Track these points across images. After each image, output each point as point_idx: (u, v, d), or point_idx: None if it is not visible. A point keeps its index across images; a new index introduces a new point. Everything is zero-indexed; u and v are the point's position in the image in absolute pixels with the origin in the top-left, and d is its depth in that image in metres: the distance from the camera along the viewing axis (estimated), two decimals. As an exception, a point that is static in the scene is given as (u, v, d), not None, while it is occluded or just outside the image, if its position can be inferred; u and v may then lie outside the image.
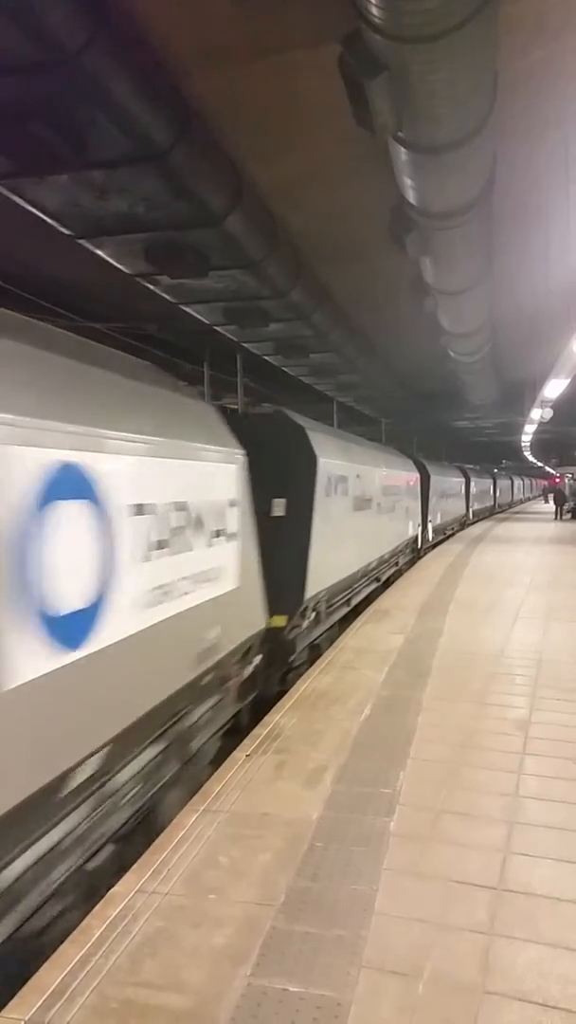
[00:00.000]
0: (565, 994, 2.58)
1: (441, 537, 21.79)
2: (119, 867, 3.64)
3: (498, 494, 42.64)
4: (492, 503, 39.74)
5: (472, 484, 29.78)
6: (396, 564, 14.78)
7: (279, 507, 7.08)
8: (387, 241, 6.91)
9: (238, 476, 5.49)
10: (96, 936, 2.94)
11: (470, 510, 29.41)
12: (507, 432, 28.66)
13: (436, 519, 20.47)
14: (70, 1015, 2.52)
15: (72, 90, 4.39)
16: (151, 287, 8.27)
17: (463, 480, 27.94)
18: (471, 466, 32.80)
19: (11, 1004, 2.59)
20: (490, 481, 39.37)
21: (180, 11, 4.39)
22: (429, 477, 19.07)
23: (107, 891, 3.28)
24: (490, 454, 46.74)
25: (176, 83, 5.04)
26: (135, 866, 3.47)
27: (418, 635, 8.22)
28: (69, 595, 3.19)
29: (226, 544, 5.16)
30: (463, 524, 27.64)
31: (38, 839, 3.17)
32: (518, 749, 4.81)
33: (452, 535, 23.61)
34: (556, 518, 32.60)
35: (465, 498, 28.41)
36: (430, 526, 19.49)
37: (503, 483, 47.14)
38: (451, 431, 28.63)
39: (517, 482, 56.90)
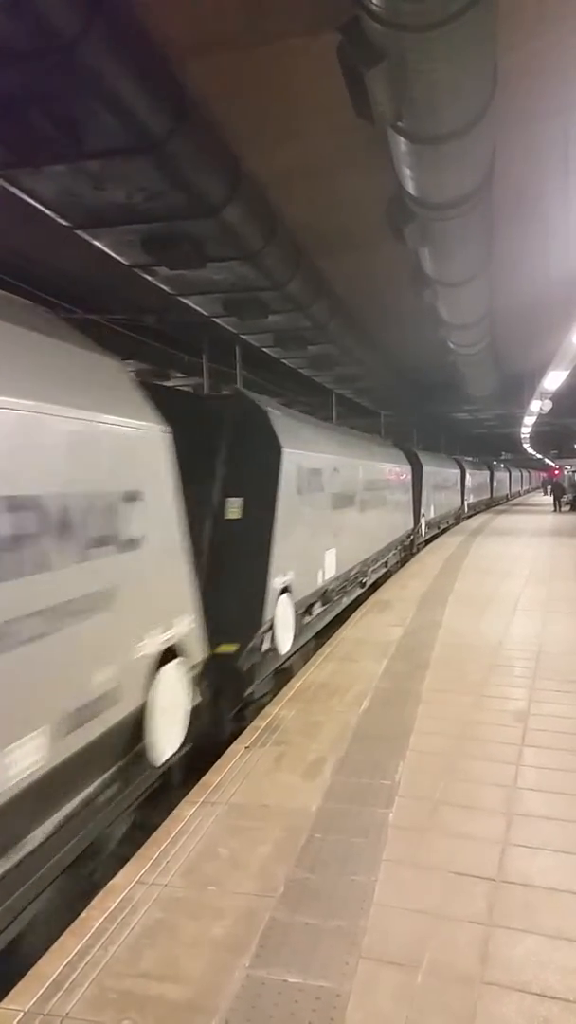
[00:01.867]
0: (564, 984, 2.58)
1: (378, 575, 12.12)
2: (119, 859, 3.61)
3: (467, 490, 29.93)
4: (460, 503, 27.92)
5: (427, 476, 19.25)
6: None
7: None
8: (386, 232, 6.87)
9: None
10: (95, 927, 2.95)
11: (421, 521, 18.29)
12: (507, 424, 28.59)
13: (343, 556, 9.52)
14: (69, 1006, 2.53)
15: (68, 80, 4.35)
16: (149, 278, 8.24)
17: (407, 470, 16.95)
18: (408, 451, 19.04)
19: (11, 995, 2.60)
20: (456, 472, 27.27)
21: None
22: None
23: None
24: (489, 446, 46.51)
25: (173, 72, 5.00)
26: (134, 858, 3.48)
27: (417, 627, 8.23)
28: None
29: None
30: (410, 547, 16.88)
31: None
32: (517, 740, 4.82)
33: (398, 566, 14.16)
34: (555, 510, 32.65)
35: (413, 501, 17.52)
36: (321, 568, 8.40)
37: (478, 476, 34.67)
38: (450, 423, 28.53)
39: (499, 475, 47.19)
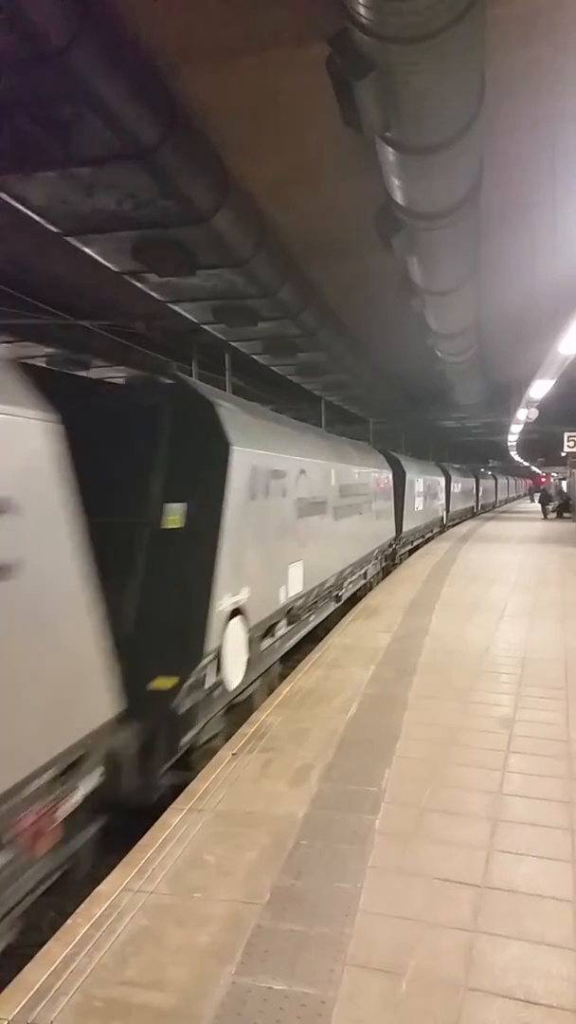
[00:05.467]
0: (547, 990, 2.60)
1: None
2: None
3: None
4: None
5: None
6: None
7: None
8: (375, 240, 6.92)
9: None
10: (81, 935, 2.93)
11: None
12: (494, 432, 28.74)
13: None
14: (54, 1014, 2.52)
15: (58, 87, 4.37)
16: (139, 285, 8.25)
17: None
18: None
19: (-5, 1003, 2.59)
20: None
21: (167, 8, 4.38)
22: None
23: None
24: (477, 454, 46.80)
25: (163, 80, 5.02)
26: (120, 864, 3.47)
27: (405, 633, 8.25)
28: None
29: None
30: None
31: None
32: (502, 747, 4.84)
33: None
34: (544, 517, 32.89)
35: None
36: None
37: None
38: (439, 431, 28.67)
39: (500, 481, 53.70)
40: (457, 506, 29.55)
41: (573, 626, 8.70)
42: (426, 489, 21.13)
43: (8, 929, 3.06)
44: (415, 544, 19.41)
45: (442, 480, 25.56)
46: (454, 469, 29.97)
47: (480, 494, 38.50)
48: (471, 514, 34.74)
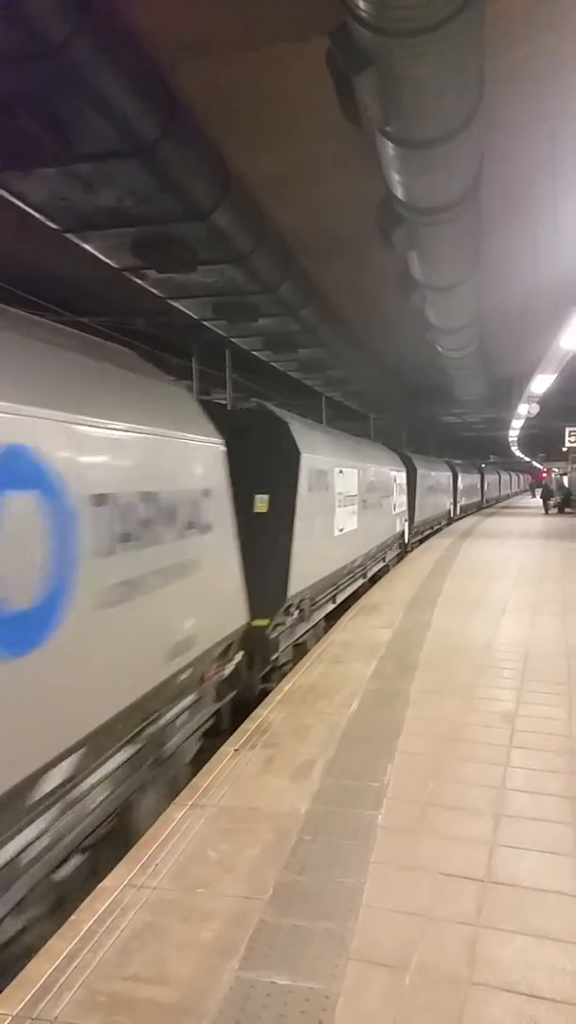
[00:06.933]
0: (551, 985, 2.60)
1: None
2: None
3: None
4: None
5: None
6: None
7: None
8: (375, 235, 6.92)
9: None
10: (85, 930, 2.94)
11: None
12: (495, 427, 28.75)
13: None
14: (58, 1009, 2.52)
15: (58, 82, 4.36)
16: (139, 281, 8.24)
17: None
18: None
19: (-1, 999, 2.59)
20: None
21: (166, 3, 4.37)
22: None
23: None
24: (478, 449, 46.73)
25: (163, 76, 5.02)
26: (124, 860, 3.47)
27: (406, 629, 8.25)
28: None
29: None
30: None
31: None
32: (505, 742, 4.84)
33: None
34: (545, 512, 32.91)
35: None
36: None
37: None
38: (439, 426, 28.66)
39: (504, 477, 48.73)
40: (427, 513, 20.44)
41: (575, 622, 8.70)
42: (370, 486, 12.23)
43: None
44: (350, 592, 10.97)
45: (400, 474, 16.49)
46: (423, 460, 21.22)
47: (459, 492, 29.51)
48: (448, 519, 26.29)
